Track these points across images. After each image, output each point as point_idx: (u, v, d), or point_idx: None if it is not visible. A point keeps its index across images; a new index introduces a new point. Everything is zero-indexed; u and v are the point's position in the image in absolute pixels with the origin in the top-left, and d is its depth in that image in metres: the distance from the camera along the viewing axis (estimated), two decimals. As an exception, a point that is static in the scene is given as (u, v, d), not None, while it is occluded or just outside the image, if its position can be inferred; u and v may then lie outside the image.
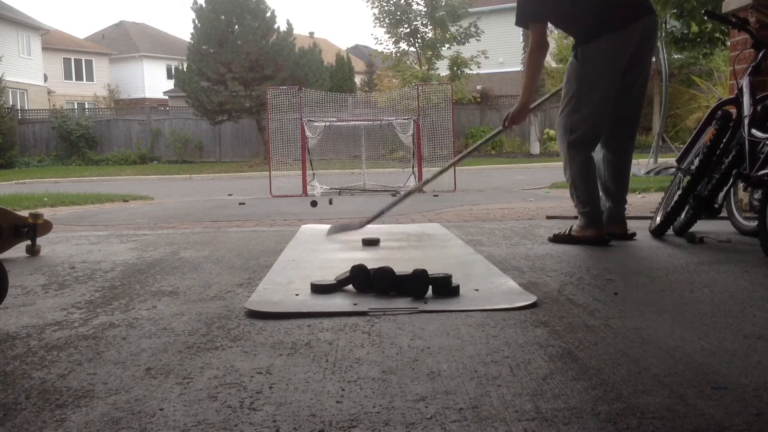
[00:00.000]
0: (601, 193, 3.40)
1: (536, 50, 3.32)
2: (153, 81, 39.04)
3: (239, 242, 3.70)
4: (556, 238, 3.40)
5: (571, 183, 3.34)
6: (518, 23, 3.41)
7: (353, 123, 11.37)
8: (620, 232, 3.40)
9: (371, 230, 4.14)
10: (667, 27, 9.24)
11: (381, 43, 26.29)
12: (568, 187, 3.42)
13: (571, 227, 3.41)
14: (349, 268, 2.31)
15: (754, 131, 2.99)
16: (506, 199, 7.28)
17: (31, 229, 3.36)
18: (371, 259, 2.73)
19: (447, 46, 24.69)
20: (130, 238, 4.02)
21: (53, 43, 35.85)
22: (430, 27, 25.08)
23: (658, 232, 3.46)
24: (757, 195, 3.01)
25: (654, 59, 3.61)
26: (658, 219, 3.51)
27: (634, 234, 3.43)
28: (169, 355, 1.65)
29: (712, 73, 13.87)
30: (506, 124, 3.56)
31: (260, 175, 15.69)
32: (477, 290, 2.26)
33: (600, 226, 3.30)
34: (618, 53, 3.17)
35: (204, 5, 20.90)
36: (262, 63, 20.58)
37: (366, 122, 11.27)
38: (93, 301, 2.30)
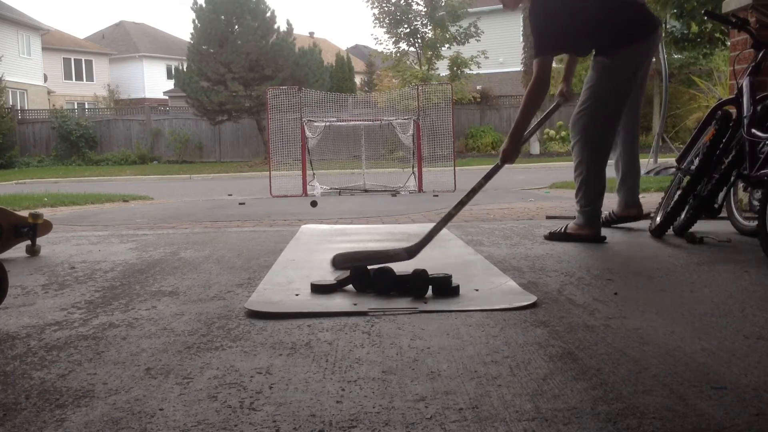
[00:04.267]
0: (618, 184, 3.72)
1: (536, 86, 3.14)
2: (153, 81, 39.04)
3: (239, 242, 3.70)
4: (552, 236, 3.48)
5: (582, 180, 3.41)
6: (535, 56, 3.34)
7: (353, 123, 11.37)
8: (636, 214, 3.73)
9: (368, 233, 4.14)
10: (667, 27, 9.24)
11: (381, 43, 26.38)
12: (572, 186, 3.51)
13: (567, 225, 3.49)
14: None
15: (754, 131, 2.99)
16: (506, 199, 7.28)
17: (31, 229, 3.35)
18: (371, 259, 2.72)
19: (447, 46, 24.69)
20: (130, 238, 4.02)
21: (53, 43, 35.85)
22: (430, 27, 25.07)
23: (658, 232, 3.46)
24: (757, 195, 3.01)
25: (654, 59, 3.72)
26: (658, 219, 3.51)
27: (649, 213, 3.71)
28: (169, 355, 1.65)
29: (712, 73, 13.86)
30: (500, 160, 3.32)
31: (260, 175, 15.70)
32: (477, 290, 2.26)
33: (597, 226, 3.41)
34: (645, 58, 3.36)
35: (204, 5, 20.89)
36: (262, 63, 20.58)
37: (366, 122, 11.27)
38: (93, 301, 2.30)
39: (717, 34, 8.34)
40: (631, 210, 3.73)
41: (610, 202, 3.93)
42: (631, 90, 3.39)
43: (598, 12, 3.31)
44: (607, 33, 3.32)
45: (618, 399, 1.30)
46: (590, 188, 3.38)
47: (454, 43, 24.56)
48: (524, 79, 22.35)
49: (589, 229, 3.38)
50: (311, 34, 43.45)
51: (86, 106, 32.27)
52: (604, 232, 3.71)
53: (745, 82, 3.20)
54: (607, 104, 3.34)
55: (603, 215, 3.81)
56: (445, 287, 2.20)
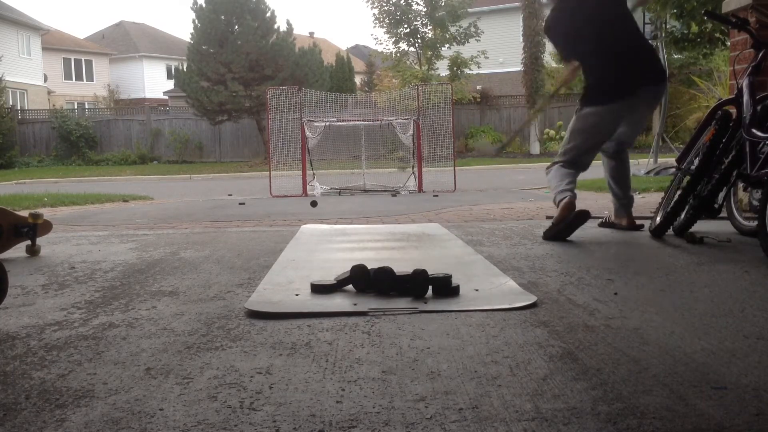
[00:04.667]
0: (612, 198, 3.86)
1: (571, 76, 3.84)
2: (153, 81, 39.02)
3: (239, 242, 3.70)
4: (546, 234, 3.52)
5: (552, 184, 3.59)
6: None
7: (353, 123, 11.36)
8: (626, 224, 3.76)
9: (368, 234, 4.15)
10: (667, 27, 9.24)
11: (381, 43, 26.28)
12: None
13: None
14: (349, 268, 2.31)
15: (754, 131, 2.99)
16: (506, 199, 7.28)
17: (31, 229, 3.36)
18: (371, 259, 2.72)
19: (447, 46, 24.67)
20: (130, 238, 4.02)
21: (53, 43, 35.82)
22: (430, 27, 25.05)
23: (658, 232, 3.46)
24: (757, 195, 3.01)
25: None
26: (658, 219, 3.51)
27: (641, 225, 3.71)
28: (169, 355, 1.65)
29: (712, 73, 13.85)
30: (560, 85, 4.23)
31: (260, 175, 15.69)
32: (477, 290, 2.26)
33: (562, 199, 3.47)
34: (614, 118, 3.53)
35: (204, 5, 20.87)
36: (262, 63, 20.56)
37: (366, 122, 11.27)
38: (93, 301, 2.30)
39: (717, 34, 8.32)
40: (622, 219, 3.80)
41: (610, 203, 3.94)
42: (603, 140, 3.58)
43: (591, 49, 3.55)
44: (598, 76, 3.57)
45: (618, 399, 1.30)
46: (553, 181, 3.57)
47: (454, 43, 24.54)
48: (524, 78, 22.37)
49: (560, 209, 3.43)
50: (311, 34, 43.43)
51: (86, 106, 32.23)
52: (604, 232, 3.74)
53: (745, 82, 3.20)
54: (577, 146, 3.58)
55: (604, 215, 3.88)
56: (445, 287, 2.19)
